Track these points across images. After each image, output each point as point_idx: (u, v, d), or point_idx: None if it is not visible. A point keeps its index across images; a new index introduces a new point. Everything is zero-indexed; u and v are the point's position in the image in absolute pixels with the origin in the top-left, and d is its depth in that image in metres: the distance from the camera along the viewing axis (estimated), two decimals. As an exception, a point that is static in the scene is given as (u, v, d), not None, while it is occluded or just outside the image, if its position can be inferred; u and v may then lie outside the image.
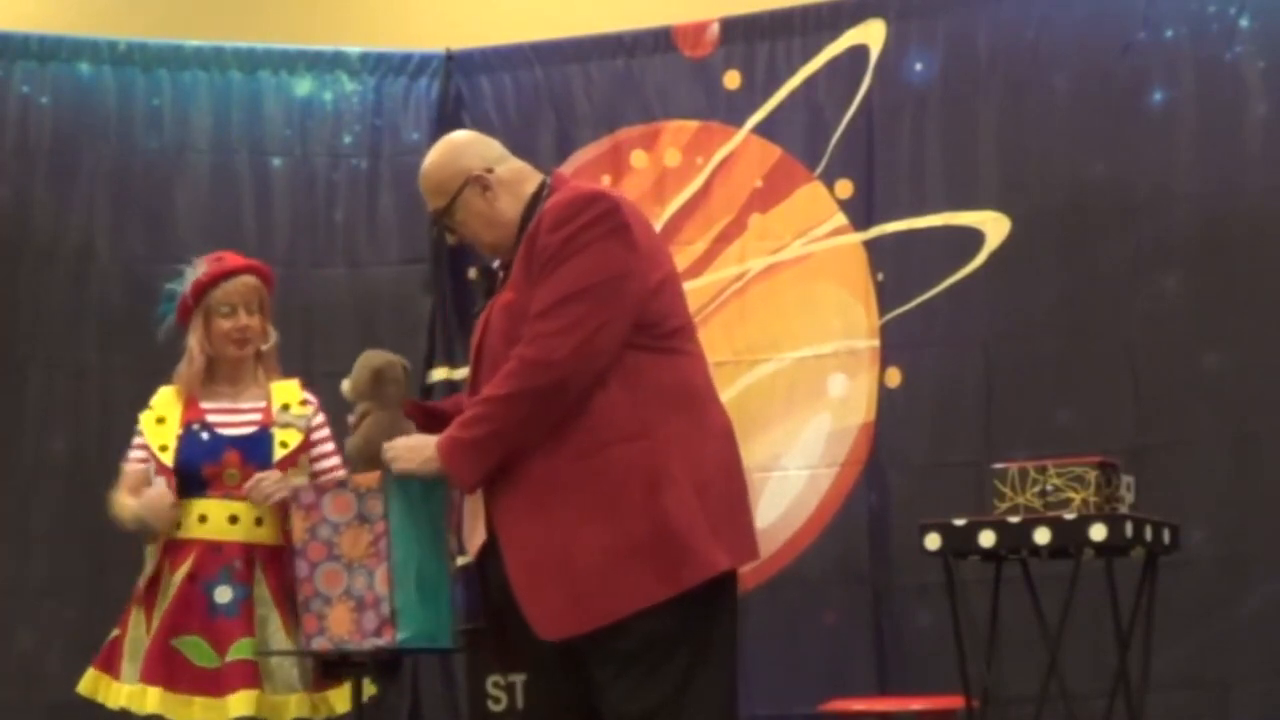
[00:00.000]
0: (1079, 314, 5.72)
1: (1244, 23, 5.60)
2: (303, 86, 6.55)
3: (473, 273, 6.51)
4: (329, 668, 4.78)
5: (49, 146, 6.34)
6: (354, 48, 6.60)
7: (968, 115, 5.93)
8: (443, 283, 6.48)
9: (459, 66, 6.58)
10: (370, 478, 4.72)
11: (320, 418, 4.71)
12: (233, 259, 4.74)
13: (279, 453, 4.58)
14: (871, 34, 6.08)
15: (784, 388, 5.99)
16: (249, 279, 4.67)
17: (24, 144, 6.33)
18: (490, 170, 3.73)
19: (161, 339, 4.81)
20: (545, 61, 6.43)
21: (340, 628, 4.58)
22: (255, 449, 4.58)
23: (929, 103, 5.99)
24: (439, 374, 6.43)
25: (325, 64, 6.57)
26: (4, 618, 6.09)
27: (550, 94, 6.44)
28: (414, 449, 3.74)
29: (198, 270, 4.70)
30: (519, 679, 5.52)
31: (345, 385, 4.02)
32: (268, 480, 4.52)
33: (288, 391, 4.71)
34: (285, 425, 4.62)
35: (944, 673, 5.00)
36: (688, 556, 3.48)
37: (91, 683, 4.58)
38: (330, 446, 4.70)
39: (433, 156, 3.82)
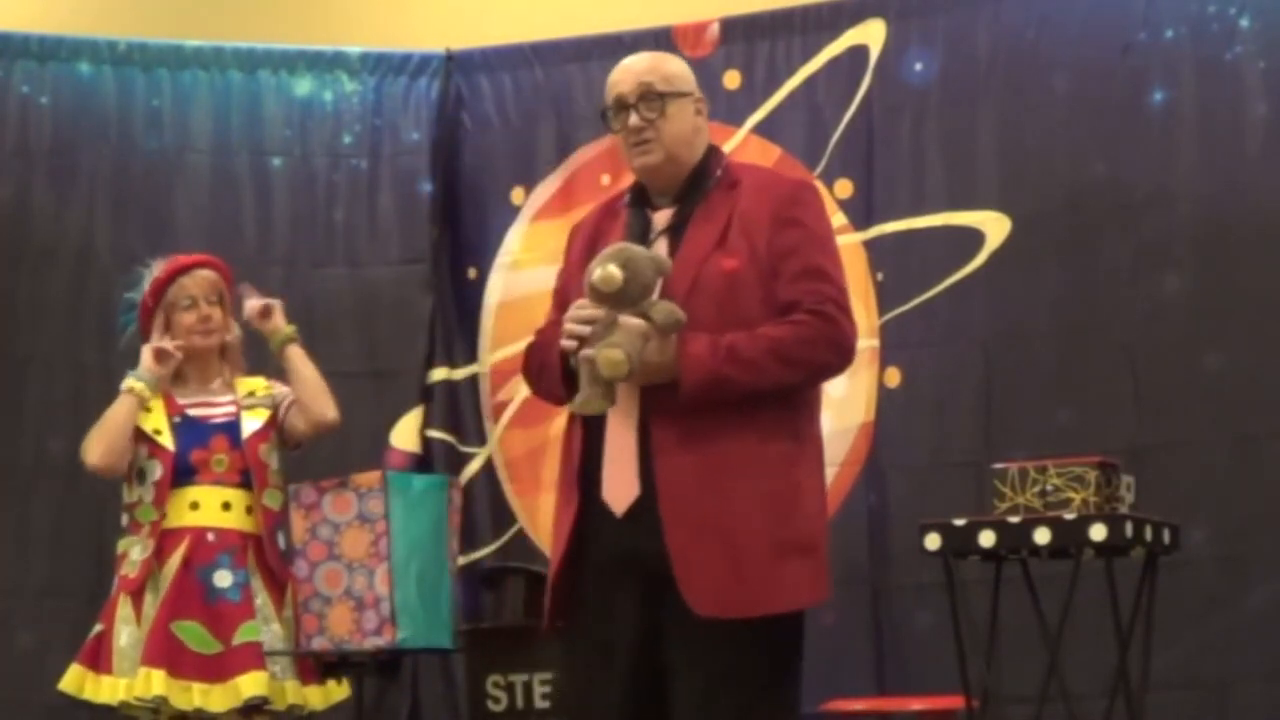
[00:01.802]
0: (1079, 314, 5.72)
1: (1244, 23, 5.60)
2: (303, 86, 6.55)
3: (472, 273, 6.54)
4: (328, 667, 4.79)
5: (49, 146, 6.34)
6: (354, 48, 6.60)
7: (968, 115, 5.93)
8: (443, 283, 6.48)
9: (459, 66, 6.58)
10: (371, 477, 4.73)
11: (284, 389, 4.80)
12: (187, 256, 4.81)
13: (247, 431, 4.65)
14: (871, 34, 6.07)
15: (784, 388, 5.98)
16: (206, 272, 4.76)
17: (24, 144, 6.33)
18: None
19: (123, 347, 4.83)
20: (545, 61, 6.43)
21: (340, 627, 4.59)
22: (236, 433, 4.66)
23: (929, 103, 5.99)
24: (439, 374, 6.43)
25: (325, 64, 6.57)
26: (4, 618, 6.09)
27: (550, 94, 6.44)
28: (657, 352, 3.41)
29: (154, 272, 4.76)
30: (519, 679, 5.52)
31: (614, 270, 3.41)
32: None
33: (253, 385, 4.81)
34: (253, 407, 4.71)
35: (944, 673, 4.99)
36: (824, 570, 3.52)
37: (77, 679, 4.58)
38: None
39: (665, 54, 3.73)
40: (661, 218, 3.58)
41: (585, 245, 3.63)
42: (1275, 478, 5.40)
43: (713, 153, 3.65)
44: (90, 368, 6.18)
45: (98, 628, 4.64)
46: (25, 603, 6.12)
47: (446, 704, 6.22)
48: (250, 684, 4.46)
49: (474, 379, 6.39)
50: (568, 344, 3.44)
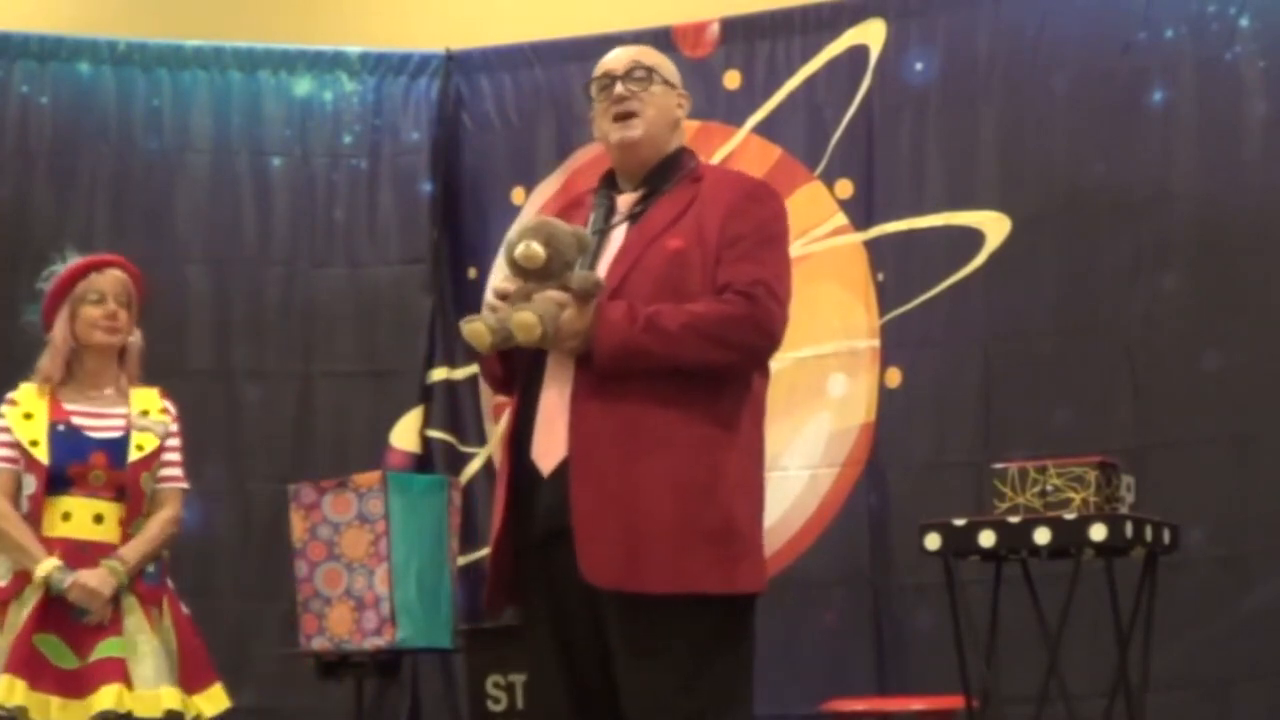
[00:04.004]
0: (1079, 314, 5.72)
1: (1244, 23, 5.60)
2: (303, 86, 6.55)
3: (472, 272, 6.54)
4: (328, 667, 4.78)
5: (49, 146, 6.35)
6: (354, 48, 6.60)
7: (968, 115, 5.93)
8: (443, 283, 6.48)
9: (459, 66, 6.59)
10: (371, 478, 4.74)
11: (175, 429, 4.65)
12: (101, 255, 4.75)
13: (134, 455, 4.52)
14: (871, 34, 6.08)
15: (784, 388, 5.97)
16: (118, 272, 4.67)
17: (24, 144, 6.33)
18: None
19: (31, 335, 4.78)
20: (545, 61, 6.43)
21: (340, 627, 4.59)
22: (118, 452, 4.53)
23: (929, 103, 6.00)
24: (439, 374, 6.43)
25: (325, 64, 6.57)
26: (4, 618, 6.08)
27: (550, 94, 6.44)
28: (575, 319, 3.41)
29: (67, 264, 4.72)
30: (519, 679, 5.52)
31: (536, 247, 3.44)
32: (90, 580, 4.43)
33: (147, 398, 4.65)
34: (143, 430, 4.57)
35: (944, 673, 4.99)
36: (747, 563, 3.46)
37: None
38: (176, 457, 4.63)
39: (664, 55, 3.78)
40: (626, 202, 3.62)
41: None
42: (1275, 478, 5.40)
43: (685, 150, 3.70)
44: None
45: None
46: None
47: (446, 704, 6.22)
48: (101, 699, 4.35)
49: (474, 379, 6.38)
50: (485, 316, 3.46)
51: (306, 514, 4.67)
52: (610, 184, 3.68)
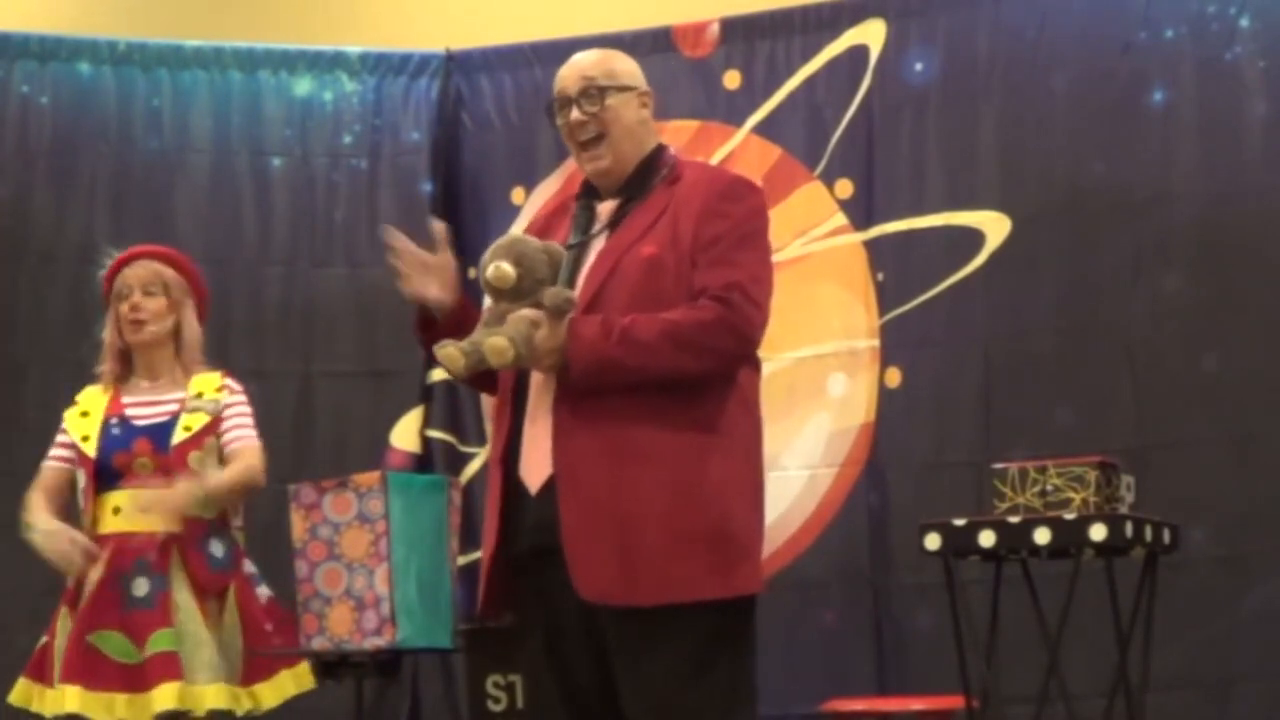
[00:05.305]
0: (1079, 314, 5.73)
1: (1244, 23, 5.60)
2: (303, 86, 6.56)
3: (471, 272, 6.52)
4: (328, 667, 4.77)
5: (49, 146, 6.35)
6: (354, 48, 6.60)
7: (968, 115, 5.93)
8: (443, 283, 6.48)
9: (459, 66, 6.59)
10: (371, 478, 4.73)
11: (237, 399, 4.61)
12: (140, 246, 4.73)
13: (179, 436, 4.49)
14: (871, 34, 6.08)
15: (784, 388, 5.99)
16: (146, 262, 4.64)
17: (24, 144, 6.34)
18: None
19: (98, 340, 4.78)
20: (545, 61, 6.42)
21: (340, 627, 4.59)
22: (162, 436, 4.51)
23: (929, 103, 6.00)
24: (439, 374, 6.42)
25: (325, 64, 6.58)
26: (5, 618, 6.08)
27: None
28: (549, 337, 3.40)
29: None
30: (519, 679, 5.52)
31: (506, 267, 3.48)
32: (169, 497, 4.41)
33: (206, 382, 4.63)
34: (194, 410, 4.54)
35: (944, 673, 5.00)
36: (743, 565, 3.43)
37: (24, 692, 4.49)
38: (244, 421, 4.58)
39: (612, 51, 3.73)
40: (606, 210, 3.60)
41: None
42: (1275, 478, 5.40)
43: (660, 149, 3.66)
44: (90, 368, 6.17)
45: (43, 639, 4.58)
46: (25, 603, 6.10)
47: (446, 704, 6.22)
48: (161, 698, 4.32)
49: (474, 379, 6.39)
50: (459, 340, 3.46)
51: (306, 514, 4.66)
52: (591, 192, 3.66)
